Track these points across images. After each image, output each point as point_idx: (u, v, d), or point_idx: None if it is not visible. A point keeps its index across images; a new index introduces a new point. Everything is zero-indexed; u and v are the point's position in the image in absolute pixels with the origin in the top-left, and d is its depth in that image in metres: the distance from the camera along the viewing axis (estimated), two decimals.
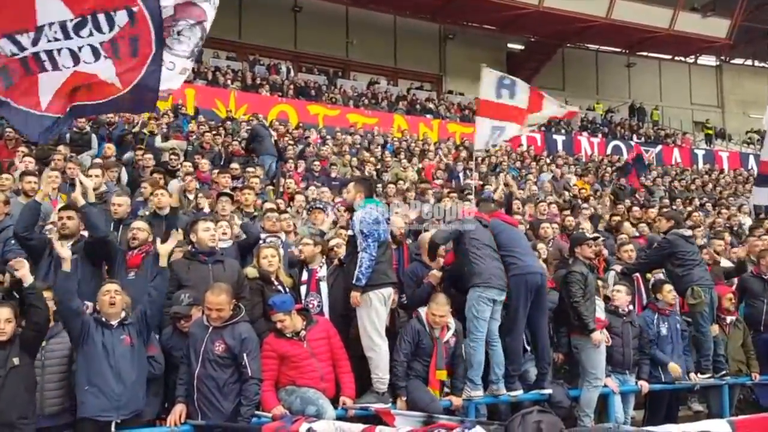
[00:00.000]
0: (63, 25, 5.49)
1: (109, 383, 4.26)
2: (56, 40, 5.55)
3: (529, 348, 5.89)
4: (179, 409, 4.51)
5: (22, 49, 5.49)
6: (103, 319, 4.41)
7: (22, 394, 4.02)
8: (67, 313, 4.33)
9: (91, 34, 5.66)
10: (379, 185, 10.83)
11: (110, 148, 9.74)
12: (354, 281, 5.06)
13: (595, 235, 7.33)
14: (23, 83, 5.69)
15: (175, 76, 7.22)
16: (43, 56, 5.65)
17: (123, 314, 4.49)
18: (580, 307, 5.88)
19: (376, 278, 5.09)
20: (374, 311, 5.07)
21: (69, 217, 5.34)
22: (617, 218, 9.72)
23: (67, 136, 10.65)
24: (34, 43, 5.50)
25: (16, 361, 4.02)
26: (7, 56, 5.45)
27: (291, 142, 13.70)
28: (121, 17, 5.66)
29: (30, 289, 4.17)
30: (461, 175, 13.77)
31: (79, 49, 5.64)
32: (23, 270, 4.16)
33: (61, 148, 9.57)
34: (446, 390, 5.45)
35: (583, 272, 6.02)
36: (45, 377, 4.35)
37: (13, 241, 5.41)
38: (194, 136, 12.54)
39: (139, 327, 4.51)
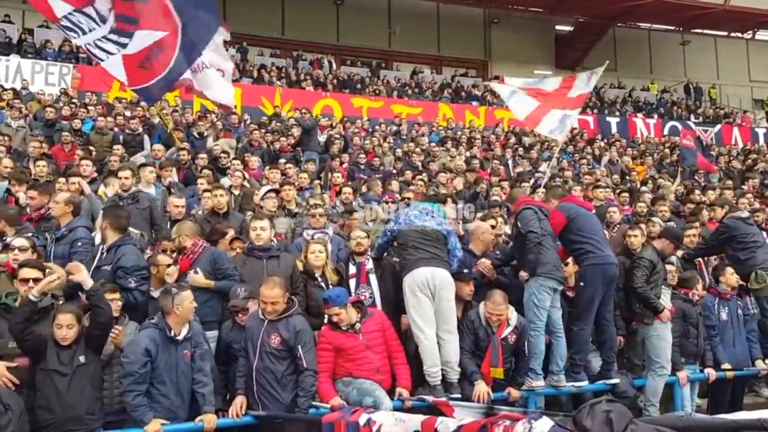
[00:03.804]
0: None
1: (170, 398, 4.33)
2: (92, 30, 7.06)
3: (592, 338, 5.74)
4: (240, 401, 4.59)
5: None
6: (172, 333, 4.36)
7: (89, 390, 4.14)
8: None
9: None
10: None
11: (159, 150, 9.94)
12: None
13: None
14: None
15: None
16: (94, 47, 7.10)
17: (187, 327, 4.48)
18: (646, 292, 5.70)
19: (404, 263, 5.22)
20: (408, 299, 5.13)
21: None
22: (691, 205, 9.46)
23: (121, 137, 11.00)
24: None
25: (82, 359, 4.14)
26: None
27: (336, 136, 13.74)
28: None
29: (91, 292, 4.26)
30: (510, 162, 13.55)
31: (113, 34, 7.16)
32: (80, 275, 4.23)
33: (116, 148, 9.87)
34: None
35: (652, 259, 5.83)
36: (114, 375, 4.46)
37: (79, 243, 5.37)
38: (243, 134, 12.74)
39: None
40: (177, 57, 7.21)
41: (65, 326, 4.11)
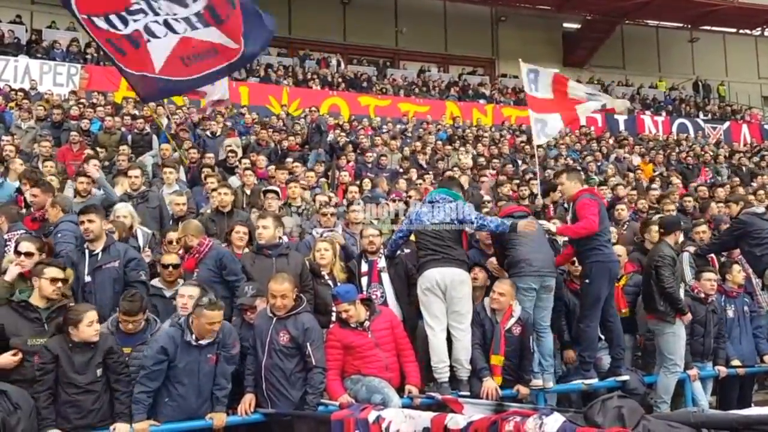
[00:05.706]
0: None
1: (189, 400, 4.35)
2: (157, 13, 6.45)
3: (602, 336, 5.72)
4: (249, 399, 4.59)
5: (121, 26, 6.45)
6: (195, 339, 4.33)
7: (103, 398, 4.17)
8: None
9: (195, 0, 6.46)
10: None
11: (167, 149, 9.96)
12: None
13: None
14: (136, 54, 6.54)
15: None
16: (152, 26, 6.47)
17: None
18: (675, 292, 5.66)
19: (419, 263, 5.29)
20: (420, 297, 5.20)
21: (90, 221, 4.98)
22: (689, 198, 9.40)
23: (129, 137, 11.02)
24: (134, 19, 6.42)
25: (99, 372, 4.15)
26: (109, 32, 6.45)
27: (343, 134, 13.73)
28: None
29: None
30: (519, 160, 13.51)
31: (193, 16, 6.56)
32: None
33: (123, 148, 9.90)
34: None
35: (672, 256, 5.79)
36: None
37: (59, 234, 5.33)
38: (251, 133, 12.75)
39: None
40: (219, 70, 6.93)
41: (95, 321, 4.15)
